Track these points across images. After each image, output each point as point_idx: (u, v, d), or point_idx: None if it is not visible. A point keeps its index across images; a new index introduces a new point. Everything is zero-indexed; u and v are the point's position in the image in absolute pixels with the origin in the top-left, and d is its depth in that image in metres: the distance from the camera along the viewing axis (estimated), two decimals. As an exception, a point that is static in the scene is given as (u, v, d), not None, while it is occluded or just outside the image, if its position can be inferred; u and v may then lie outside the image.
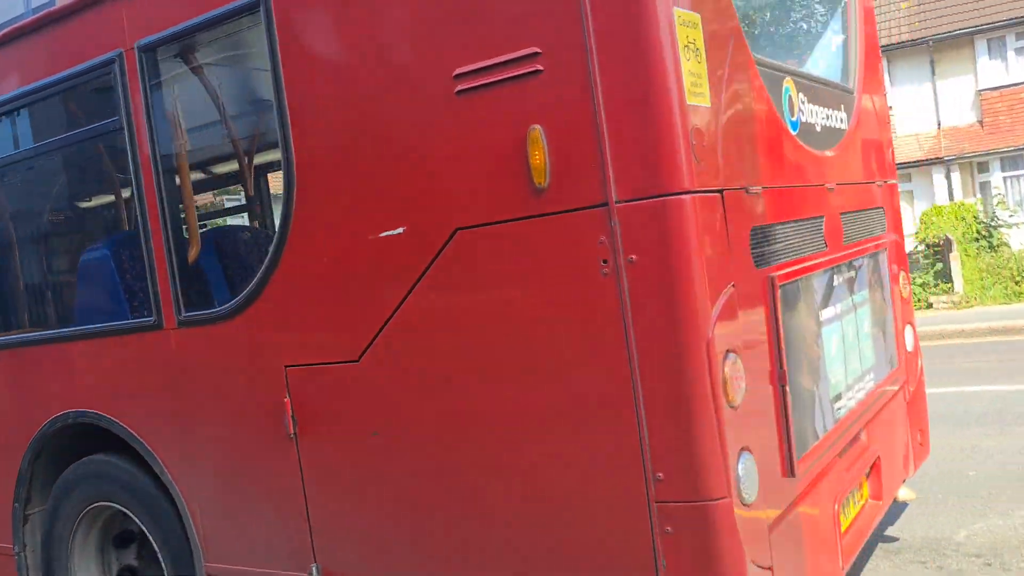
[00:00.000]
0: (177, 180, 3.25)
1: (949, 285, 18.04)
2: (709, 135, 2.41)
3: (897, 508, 4.55)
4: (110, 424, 3.36)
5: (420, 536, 2.77)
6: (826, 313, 3.20)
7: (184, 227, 3.22)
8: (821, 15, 4.31)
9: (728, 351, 2.37)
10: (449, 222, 2.58)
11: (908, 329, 4.31)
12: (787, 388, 2.71)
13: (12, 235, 4.20)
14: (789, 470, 2.72)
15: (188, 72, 3.16)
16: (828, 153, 3.46)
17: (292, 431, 2.93)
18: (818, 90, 3.45)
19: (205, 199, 3.87)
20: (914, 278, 17.32)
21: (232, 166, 3.29)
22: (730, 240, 2.48)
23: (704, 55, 2.42)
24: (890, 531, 4.58)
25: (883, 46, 21.80)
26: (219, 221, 5.18)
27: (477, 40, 2.49)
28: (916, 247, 19.13)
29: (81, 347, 3.53)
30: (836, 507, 3.14)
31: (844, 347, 3.33)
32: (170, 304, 3.15)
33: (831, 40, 4.14)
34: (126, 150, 3.17)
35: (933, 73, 22.31)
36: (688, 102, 2.31)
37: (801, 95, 3.22)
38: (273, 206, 4.04)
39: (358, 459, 2.87)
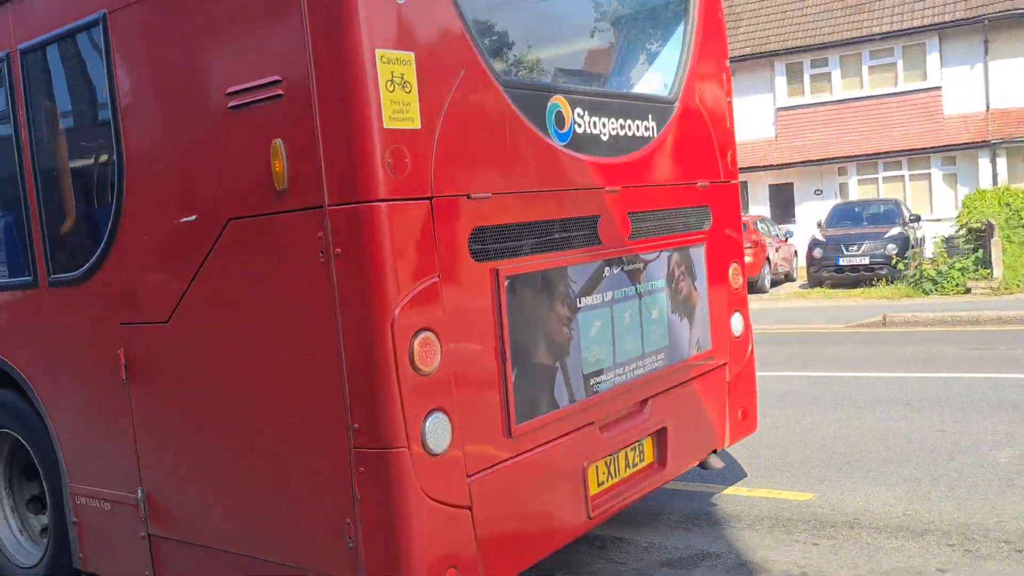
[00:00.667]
0: (50, 166, 3.94)
1: (988, 271, 17.78)
2: (416, 152, 2.94)
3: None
4: (3, 364, 4.11)
5: (205, 466, 3.44)
6: (588, 300, 3.70)
7: (55, 205, 3.91)
8: (639, 35, 4.72)
9: (421, 328, 2.93)
10: (225, 213, 3.19)
11: (738, 316, 4.78)
12: (508, 364, 3.25)
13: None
14: (507, 432, 3.27)
15: (54, 74, 3.84)
16: (620, 158, 3.93)
17: (125, 378, 3.61)
18: (610, 104, 3.92)
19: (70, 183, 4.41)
20: (953, 263, 17.21)
21: (88, 159, 3.95)
22: (438, 239, 3.02)
23: (416, 86, 2.95)
24: (917, 512, 4.80)
25: (935, 24, 21.36)
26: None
27: (241, 66, 3.08)
28: (957, 231, 18.92)
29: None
30: (585, 465, 3.68)
31: (614, 330, 3.84)
32: (43, 268, 3.86)
33: (650, 56, 4.56)
34: (12, 137, 3.89)
35: (986, 53, 21.77)
36: (387, 126, 2.85)
37: (578, 110, 3.70)
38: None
39: (168, 404, 3.54)
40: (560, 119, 3.61)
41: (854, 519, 4.77)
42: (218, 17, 3.13)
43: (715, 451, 4.66)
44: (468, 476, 3.12)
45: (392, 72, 2.88)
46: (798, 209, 24.26)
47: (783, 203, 24.50)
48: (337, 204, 2.88)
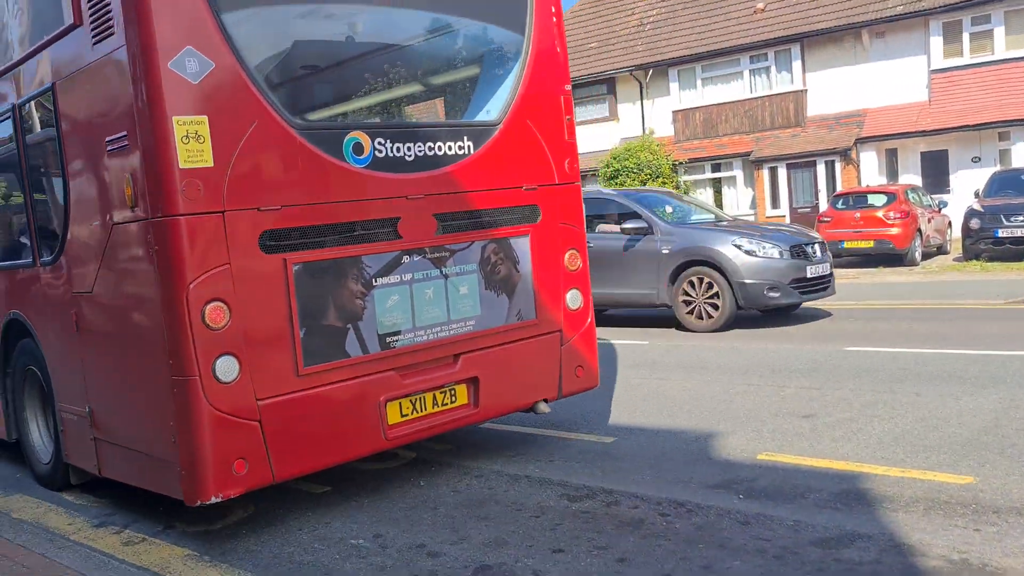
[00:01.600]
0: (37, 188, 5.87)
1: None
2: (209, 182, 4.44)
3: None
4: (23, 320, 6.11)
5: (114, 390, 5.23)
6: (385, 280, 5.08)
7: (40, 216, 5.86)
8: (464, 74, 5.97)
9: (212, 299, 4.46)
10: (112, 221, 4.85)
11: (575, 292, 5.98)
12: (296, 325, 4.71)
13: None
14: (296, 372, 4.75)
15: (34, 123, 5.73)
16: (426, 173, 5.25)
17: (76, 330, 5.41)
18: (416, 132, 5.27)
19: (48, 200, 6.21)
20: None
21: (55, 184, 5.72)
22: (230, 238, 4.51)
23: (208, 138, 4.44)
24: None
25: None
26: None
27: (111, 123, 4.71)
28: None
29: (12, 275, 6.34)
30: (383, 400, 5.08)
31: (413, 302, 5.21)
32: (37, 255, 5.80)
33: (476, 90, 5.81)
34: (17, 163, 5.89)
35: None
36: (182, 166, 4.37)
37: (379, 139, 5.06)
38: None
39: (96, 348, 5.32)
40: (359, 148, 4.99)
41: (1022, 506, 4.50)
42: (103, 89, 4.77)
43: (546, 400, 5.87)
44: (258, 400, 4.63)
45: (187, 130, 4.39)
46: (953, 178, 23.22)
47: (937, 171, 23.51)
48: (154, 217, 4.45)
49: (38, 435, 6.39)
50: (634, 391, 7.96)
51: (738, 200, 25.94)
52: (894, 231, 18.13)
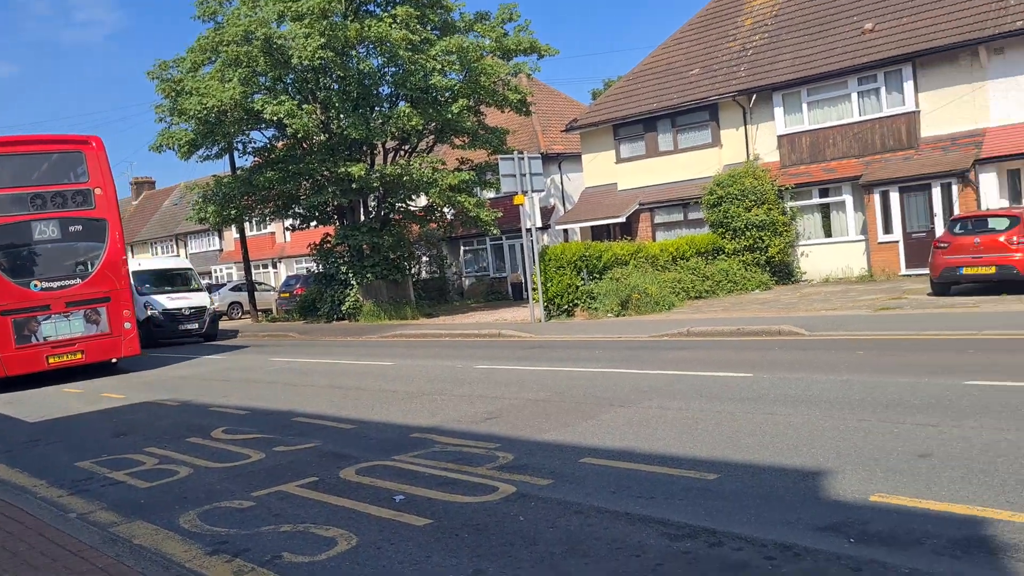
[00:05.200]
0: None
1: None
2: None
3: None
4: None
5: None
6: (44, 320, 17.09)
7: None
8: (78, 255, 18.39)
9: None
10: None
11: (128, 324, 18.43)
12: (11, 331, 16.51)
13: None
14: (13, 346, 16.56)
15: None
16: (62, 290, 17.30)
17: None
18: (56, 278, 17.18)
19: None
20: None
21: None
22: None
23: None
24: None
25: None
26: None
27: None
28: None
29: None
30: (45, 355, 17.12)
31: (56, 327, 17.27)
32: None
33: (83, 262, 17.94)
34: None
35: None
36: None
37: (42, 283, 16.99)
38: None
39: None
40: (36, 285, 16.79)
41: None
42: None
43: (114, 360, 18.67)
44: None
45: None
46: (1083, 198, 21.87)
47: (1065, 192, 22.20)
48: None
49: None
50: (738, 425, 7.77)
51: (848, 225, 25.10)
52: (1018, 256, 17.16)
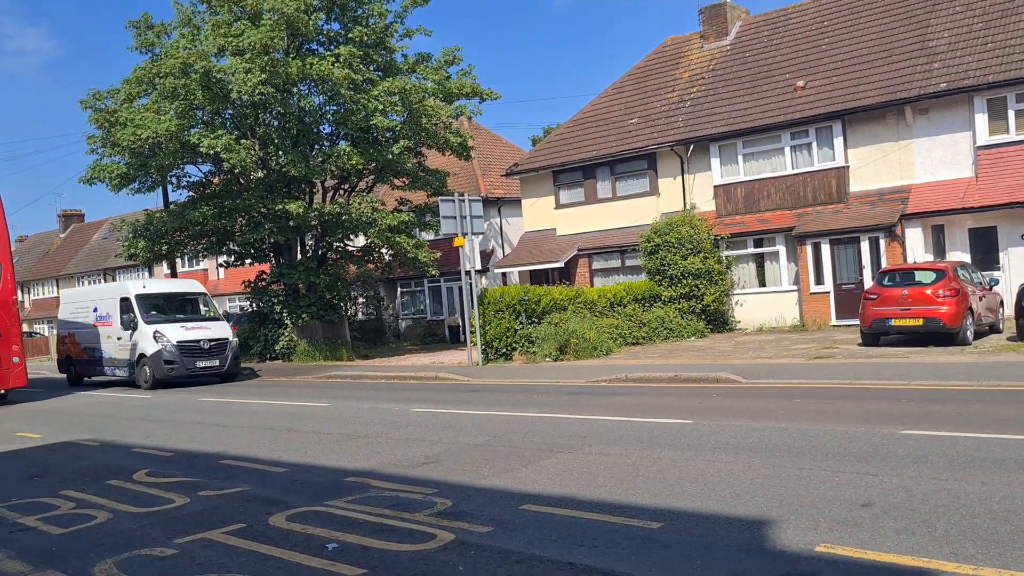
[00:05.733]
0: None
1: None
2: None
3: None
4: None
5: None
6: None
7: None
8: None
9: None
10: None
11: (17, 358, 19.96)
12: None
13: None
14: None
15: None
16: None
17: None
18: None
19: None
20: None
21: None
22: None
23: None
24: None
25: None
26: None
27: None
28: None
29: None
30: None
31: None
32: None
33: None
34: None
35: None
36: None
37: None
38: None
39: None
40: None
41: None
42: None
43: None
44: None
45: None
46: (1002, 255, 22.73)
47: (986, 248, 23.03)
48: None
49: None
50: (680, 472, 7.68)
51: (781, 276, 25.62)
52: (944, 309, 17.63)
